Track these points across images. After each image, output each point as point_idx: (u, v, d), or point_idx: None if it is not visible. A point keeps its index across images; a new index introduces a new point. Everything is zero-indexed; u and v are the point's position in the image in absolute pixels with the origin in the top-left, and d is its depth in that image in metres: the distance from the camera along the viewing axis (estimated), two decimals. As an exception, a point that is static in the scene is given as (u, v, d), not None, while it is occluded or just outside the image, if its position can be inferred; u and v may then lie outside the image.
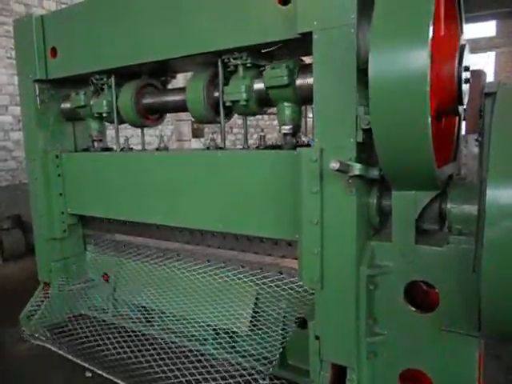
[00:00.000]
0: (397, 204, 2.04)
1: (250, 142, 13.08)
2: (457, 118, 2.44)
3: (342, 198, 2.07)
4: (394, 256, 2.08)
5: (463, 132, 2.58)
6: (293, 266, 2.66)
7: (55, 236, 3.63)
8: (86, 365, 3.01)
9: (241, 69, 2.62)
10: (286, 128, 2.55)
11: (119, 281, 3.61)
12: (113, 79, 3.26)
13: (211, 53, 2.61)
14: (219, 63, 2.70)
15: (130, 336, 3.23)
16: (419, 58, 1.67)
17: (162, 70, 3.35)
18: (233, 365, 2.82)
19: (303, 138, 2.70)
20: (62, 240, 3.71)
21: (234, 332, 2.94)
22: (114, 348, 3.05)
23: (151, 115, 3.43)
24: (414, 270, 2.04)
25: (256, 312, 2.87)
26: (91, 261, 3.88)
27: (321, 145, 2.10)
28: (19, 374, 3.06)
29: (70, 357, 3.13)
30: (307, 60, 2.41)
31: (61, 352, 3.21)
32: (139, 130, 3.57)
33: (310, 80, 2.32)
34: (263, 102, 2.65)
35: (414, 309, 2.07)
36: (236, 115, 3.02)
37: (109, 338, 3.18)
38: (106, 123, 3.75)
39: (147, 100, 3.25)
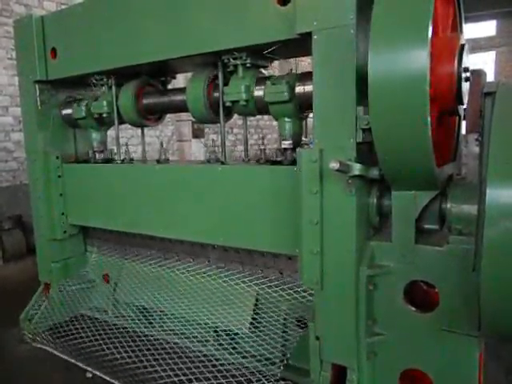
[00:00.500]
0: (397, 204, 2.04)
1: (250, 142, 13.09)
2: (457, 117, 2.44)
3: (342, 198, 2.07)
4: (393, 256, 2.08)
5: (463, 131, 2.58)
6: (293, 270, 2.66)
7: (56, 237, 3.63)
8: (87, 366, 3.01)
9: (240, 69, 2.62)
10: (287, 143, 2.56)
11: (120, 281, 3.61)
12: (113, 79, 3.27)
13: (211, 53, 2.62)
14: (219, 63, 2.70)
15: (130, 337, 3.23)
16: (419, 58, 1.67)
17: (161, 71, 3.35)
18: (234, 365, 2.82)
19: (303, 139, 2.70)
20: (63, 241, 3.71)
21: (234, 333, 2.94)
22: (115, 348, 3.05)
23: (151, 115, 3.43)
24: (414, 270, 2.03)
25: (256, 313, 2.87)
26: (92, 261, 3.88)
27: (320, 145, 2.10)
28: (19, 374, 3.06)
29: (70, 357, 3.13)
30: (307, 60, 2.40)
31: (61, 353, 3.21)
32: (139, 131, 3.57)
33: (309, 88, 2.32)
34: (263, 109, 2.65)
35: (413, 309, 2.07)
36: (236, 115, 3.02)
37: (109, 339, 3.18)
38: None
39: (147, 100, 3.26)
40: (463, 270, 1.90)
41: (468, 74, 1.98)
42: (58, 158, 3.59)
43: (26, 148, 3.70)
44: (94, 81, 3.35)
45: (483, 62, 18.81)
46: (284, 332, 2.76)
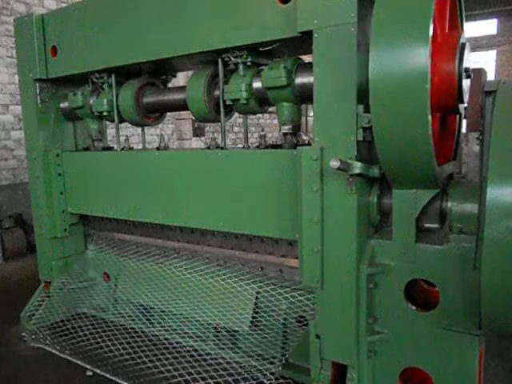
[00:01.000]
0: (397, 202, 2.04)
1: (251, 140, 13.10)
2: (457, 116, 2.43)
3: (343, 197, 2.07)
4: (394, 254, 2.08)
5: (464, 130, 2.57)
6: (293, 264, 2.66)
7: (56, 235, 3.64)
8: (87, 364, 3.01)
9: (241, 67, 2.62)
10: (286, 128, 2.56)
11: (120, 280, 3.61)
12: (113, 78, 3.26)
13: (211, 51, 2.61)
14: (219, 62, 2.70)
15: (130, 335, 3.23)
16: (420, 57, 1.67)
17: (162, 69, 3.35)
18: (234, 362, 2.82)
19: (304, 137, 2.70)
20: (63, 239, 3.72)
21: (234, 330, 2.94)
22: (115, 347, 3.05)
23: (152, 114, 3.43)
24: (415, 269, 2.04)
25: (256, 311, 2.87)
26: (92, 260, 3.88)
27: (321, 143, 2.10)
28: (20, 373, 3.06)
29: (70, 356, 3.13)
30: (307, 58, 2.40)
31: (61, 351, 3.21)
32: (140, 129, 3.57)
33: (309, 79, 2.32)
34: (263, 101, 2.65)
35: (414, 307, 2.07)
36: (237, 114, 3.02)
37: (109, 337, 3.19)
38: (107, 122, 3.75)
39: (148, 99, 3.26)
40: (464, 269, 1.90)
41: (469, 73, 1.98)
42: (58, 155, 3.59)
43: (27, 146, 3.70)
44: (95, 79, 3.34)
45: (484, 61, 18.79)
46: (284, 332, 2.76)
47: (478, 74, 1.96)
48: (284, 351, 2.71)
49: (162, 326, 3.24)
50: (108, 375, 2.87)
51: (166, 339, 3.17)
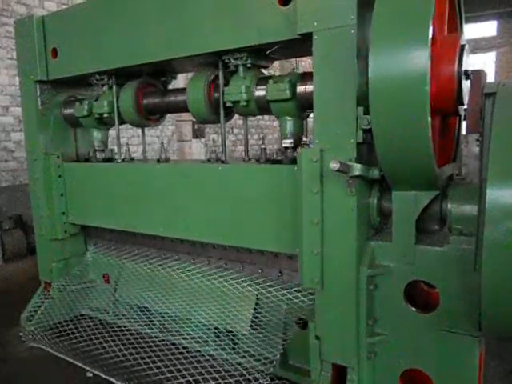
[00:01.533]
0: (397, 204, 2.04)
1: (251, 142, 13.10)
2: (457, 117, 2.44)
3: (343, 199, 2.07)
4: (394, 256, 2.08)
5: (463, 132, 2.58)
6: (293, 269, 2.67)
7: (56, 236, 3.64)
8: (87, 365, 3.01)
9: (241, 69, 2.63)
10: (287, 142, 2.56)
11: (120, 281, 3.61)
12: (113, 79, 3.27)
13: (211, 53, 2.62)
14: (220, 64, 2.71)
15: (130, 336, 3.23)
16: (419, 58, 1.67)
17: (162, 71, 3.36)
18: (234, 365, 2.82)
19: (304, 139, 2.71)
20: (63, 240, 3.71)
21: (235, 332, 2.94)
22: (115, 348, 3.05)
23: (152, 115, 3.44)
24: (415, 270, 2.04)
25: (257, 312, 2.87)
26: (92, 261, 3.88)
27: (321, 145, 2.10)
28: (20, 374, 3.06)
29: (70, 357, 3.13)
30: (307, 60, 2.41)
31: (61, 352, 3.21)
32: (140, 131, 3.57)
33: (310, 87, 2.32)
34: (264, 109, 2.66)
35: (414, 309, 2.07)
36: (236, 115, 3.02)
37: (109, 339, 3.18)
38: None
39: (148, 100, 3.26)
40: (464, 270, 1.90)
41: (469, 75, 1.98)
42: (58, 157, 3.59)
43: (27, 148, 3.70)
44: (95, 81, 3.35)
45: (484, 63, 18.80)
46: (284, 333, 2.76)
47: (477, 75, 1.96)
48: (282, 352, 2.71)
49: (162, 328, 3.24)
50: (108, 377, 2.87)
51: (166, 341, 3.16)
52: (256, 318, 2.86)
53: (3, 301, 4.34)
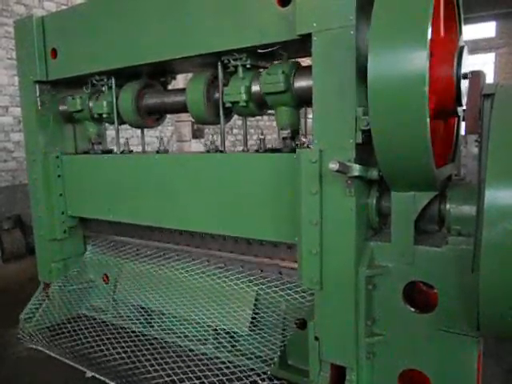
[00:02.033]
0: (396, 205, 2.05)
1: (250, 142, 13.10)
2: (456, 118, 2.45)
3: (342, 199, 2.08)
4: (393, 256, 2.08)
5: (462, 132, 2.59)
6: (292, 266, 2.66)
7: (55, 237, 3.64)
8: (86, 366, 3.01)
9: (240, 70, 2.63)
10: (285, 132, 2.57)
11: (119, 281, 3.61)
12: (113, 80, 3.27)
13: (211, 54, 2.62)
14: (219, 64, 2.71)
15: (129, 337, 3.23)
16: (418, 59, 1.68)
17: (161, 71, 3.36)
18: (233, 365, 2.82)
19: (303, 139, 2.71)
20: (63, 241, 3.71)
21: (234, 332, 2.94)
22: (114, 349, 3.05)
23: (151, 116, 3.44)
24: (413, 271, 2.04)
25: (256, 312, 2.87)
26: (91, 261, 3.88)
27: (320, 146, 2.11)
28: (19, 374, 3.06)
29: (69, 357, 3.13)
30: (306, 61, 2.42)
31: (60, 353, 3.21)
32: (139, 131, 3.58)
33: (308, 82, 2.33)
34: (262, 105, 2.66)
35: (412, 309, 2.07)
36: (236, 116, 3.02)
37: (109, 339, 3.18)
38: (107, 124, 3.76)
39: (147, 101, 3.26)
40: (462, 271, 1.90)
41: (467, 76, 1.99)
42: (57, 157, 3.59)
43: (26, 148, 3.70)
44: (95, 81, 3.35)
45: (483, 64, 18.83)
46: (283, 334, 2.76)
47: (476, 76, 1.96)
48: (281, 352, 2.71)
49: (161, 328, 3.24)
50: (107, 377, 2.87)
51: (164, 341, 3.16)
52: (254, 318, 2.86)
53: (2, 301, 4.34)
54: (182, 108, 3.09)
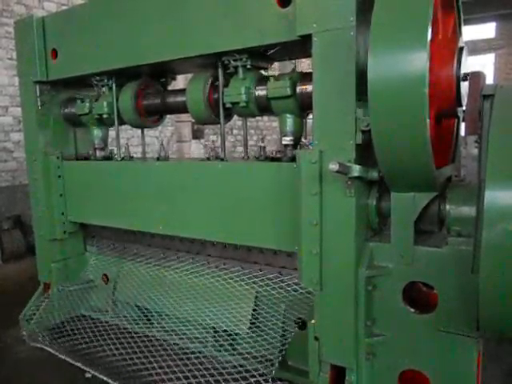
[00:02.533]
0: (396, 205, 2.05)
1: (250, 143, 13.12)
2: (456, 119, 2.45)
3: (342, 200, 2.08)
4: (392, 257, 2.08)
5: (462, 133, 2.59)
6: (292, 266, 2.67)
7: (56, 237, 3.64)
8: (86, 366, 3.01)
9: (241, 70, 2.63)
10: (287, 139, 2.57)
11: (119, 282, 3.61)
12: (113, 80, 3.27)
13: (211, 54, 2.62)
14: (219, 65, 2.71)
15: (129, 337, 3.23)
16: (418, 60, 1.68)
17: (162, 72, 3.36)
18: (232, 365, 2.82)
19: (303, 140, 2.71)
20: (63, 241, 3.71)
21: (234, 333, 2.94)
22: (114, 349, 3.05)
23: (151, 116, 3.44)
24: (413, 271, 2.04)
25: (256, 312, 2.87)
26: (91, 262, 3.88)
27: (320, 147, 2.11)
28: (19, 375, 3.06)
29: (69, 358, 3.13)
30: (306, 62, 2.42)
31: (60, 353, 3.21)
32: (139, 131, 3.58)
33: (310, 88, 2.33)
34: (264, 108, 2.66)
35: (412, 310, 2.07)
36: (236, 116, 3.03)
37: (109, 339, 3.18)
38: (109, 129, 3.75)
39: (147, 101, 3.26)
40: (462, 272, 1.90)
41: (467, 77, 1.99)
42: (58, 158, 3.59)
43: (26, 148, 3.70)
44: (95, 81, 3.35)
45: (482, 65, 18.83)
46: (282, 335, 2.76)
47: (476, 77, 1.97)
48: (282, 353, 2.71)
49: (161, 328, 3.24)
50: (107, 378, 2.87)
51: (164, 341, 3.17)
52: (255, 318, 2.86)
53: (2, 301, 4.34)
54: (182, 108, 3.10)
